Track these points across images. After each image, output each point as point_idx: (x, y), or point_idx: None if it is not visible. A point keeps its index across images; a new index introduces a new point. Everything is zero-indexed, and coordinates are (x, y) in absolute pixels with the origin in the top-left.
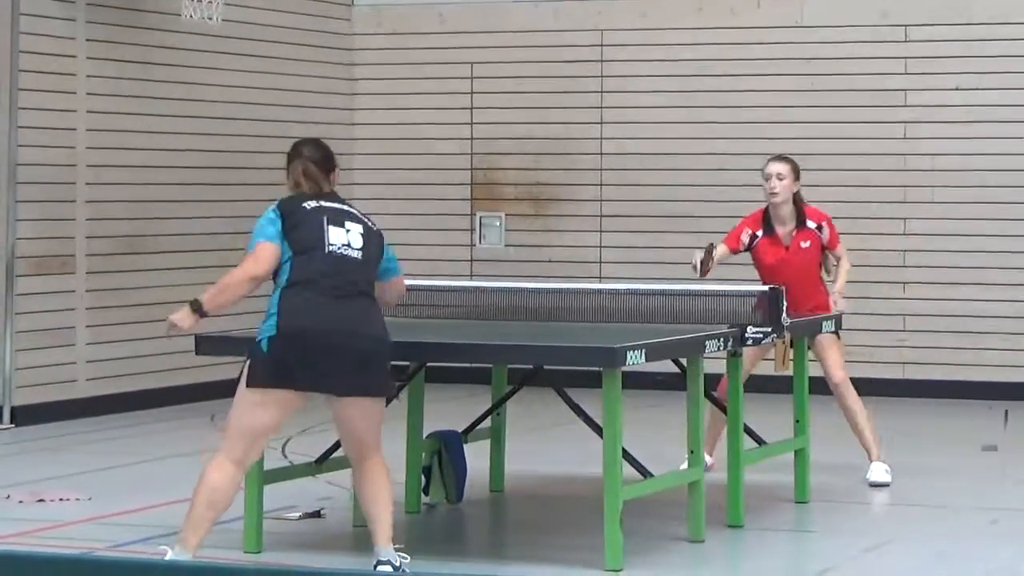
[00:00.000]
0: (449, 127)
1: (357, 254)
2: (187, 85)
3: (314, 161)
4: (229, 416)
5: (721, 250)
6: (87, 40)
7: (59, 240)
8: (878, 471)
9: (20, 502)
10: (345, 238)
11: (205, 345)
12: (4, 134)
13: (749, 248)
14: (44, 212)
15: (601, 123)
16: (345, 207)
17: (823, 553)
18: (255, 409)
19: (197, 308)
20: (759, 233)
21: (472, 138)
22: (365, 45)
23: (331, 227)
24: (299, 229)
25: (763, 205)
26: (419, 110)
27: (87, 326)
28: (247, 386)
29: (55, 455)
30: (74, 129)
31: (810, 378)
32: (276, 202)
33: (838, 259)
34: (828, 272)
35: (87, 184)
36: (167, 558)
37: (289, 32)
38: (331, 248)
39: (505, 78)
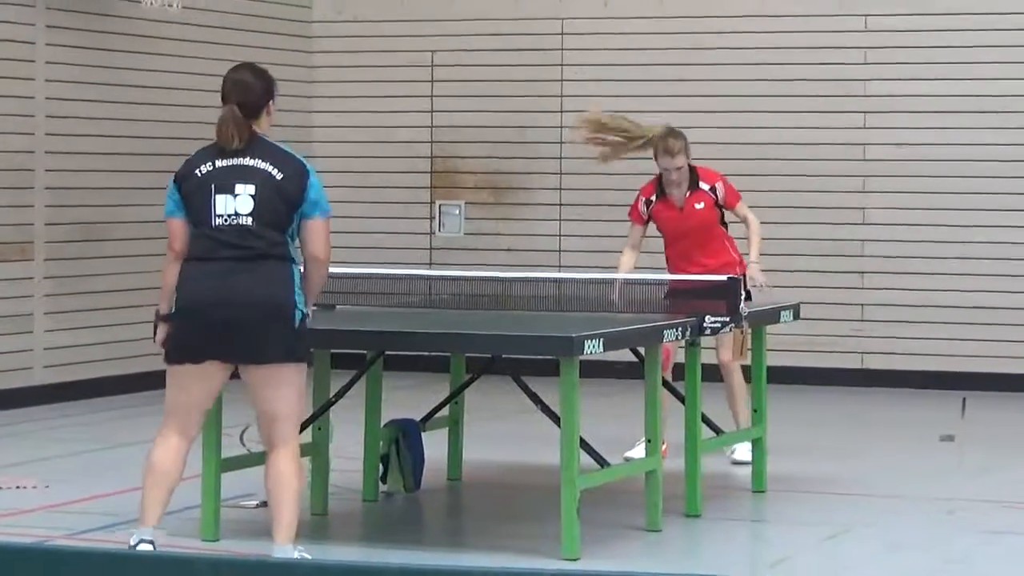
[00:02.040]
0: (409, 115)
1: (247, 220)
2: (147, 72)
3: (243, 105)
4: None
5: (634, 232)
6: (47, 26)
7: (18, 227)
8: (744, 450)
9: None
10: (232, 206)
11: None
12: None
13: (648, 215)
14: (2, 199)
15: (561, 112)
16: (244, 162)
17: (780, 542)
18: (179, 385)
19: (161, 317)
20: (653, 199)
21: (432, 126)
22: (325, 32)
23: (218, 196)
24: (190, 200)
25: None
26: (379, 98)
27: (45, 313)
28: (165, 363)
29: (12, 442)
30: (33, 116)
31: (768, 368)
32: (185, 161)
33: (743, 219)
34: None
35: (46, 171)
36: (132, 541)
37: (249, 19)
38: (218, 220)
39: (465, 66)
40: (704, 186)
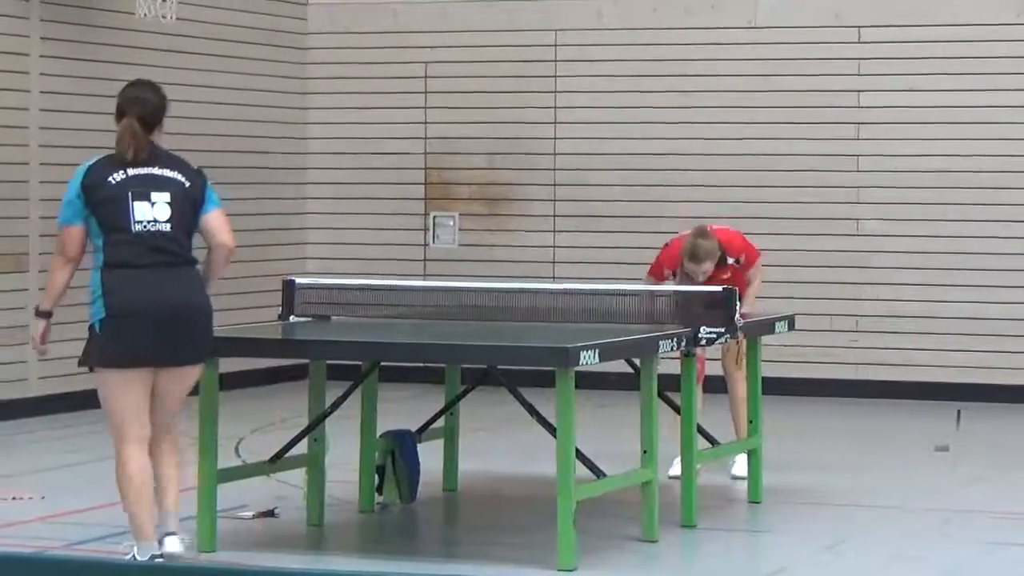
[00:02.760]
0: (403, 126)
1: (165, 226)
2: None
3: (144, 117)
4: (104, 405)
5: (649, 280)
6: (41, 38)
7: (12, 239)
8: (742, 464)
9: None
10: (151, 213)
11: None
12: None
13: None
14: None
15: (555, 123)
16: (155, 171)
17: (777, 553)
18: (117, 390)
19: (42, 314)
20: (677, 271)
21: (426, 137)
22: (318, 44)
23: (136, 203)
24: (104, 207)
25: (680, 235)
26: (373, 109)
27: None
28: (93, 369)
29: (7, 453)
30: (27, 127)
31: (763, 379)
32: (83, 171)
33: (753, 278)
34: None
35: (40, 182)
36: (143, 557)
37: (243, 31)
38: (137, 227)
39: (459, 77)
40: (731, 260)
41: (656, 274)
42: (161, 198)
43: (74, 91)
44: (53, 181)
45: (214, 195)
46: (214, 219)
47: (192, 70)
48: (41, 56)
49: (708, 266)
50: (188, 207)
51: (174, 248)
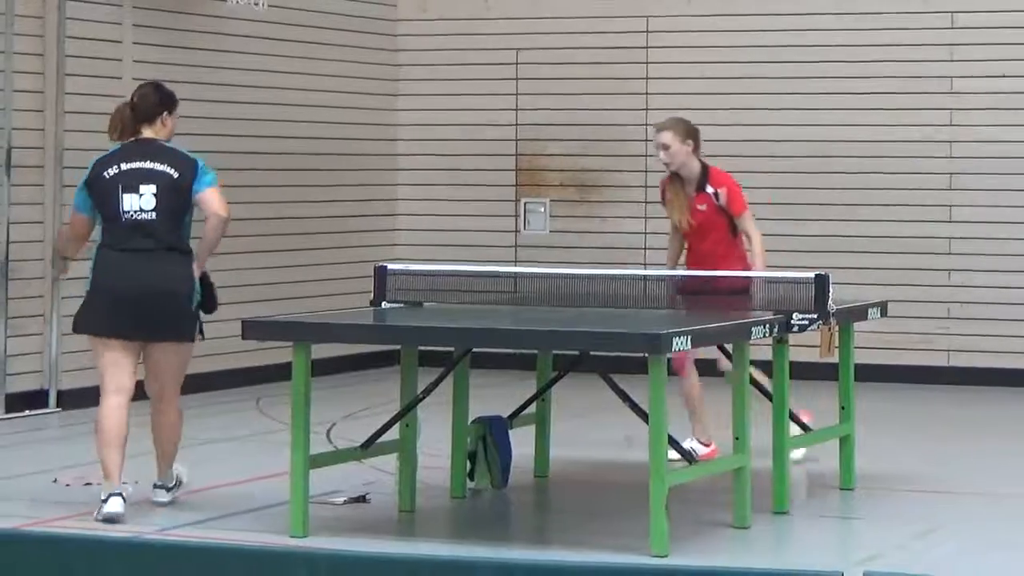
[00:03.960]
0: (494, 113)
1: (150, 215)
2: (232, 71)
3: (135, 107)
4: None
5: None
6: (133, 25)
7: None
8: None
9: (67, 485)
10: (137, 203)
11: (251, 330)
12: (51, 119)
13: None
14: None
15: (646, 109)
16: (145, 165)
17: (869, 540)
18: (96, 350)
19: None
20: (667, 192)
21: (517, 124)
22: (409, 31)
23: (125, 195)
24: (100, 199)
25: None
26: (464, 96)
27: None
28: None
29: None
30: None
31: (856, 365)
32: (90, 166)
33: (745, 233)
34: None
35: None
36: (103, 496)
37: (333, 17)
38: (126, 215)
39: (550, 64)
40: (709, 189)
41: (663, 199)
42: (148, 190)
43: (166, 78)
44: None
45: (207, 176)
46: (205, 195)
47: (282, 57)
48: (134, 43)
49: (667, 136)
50: (175, 197)
51: (156, 235)
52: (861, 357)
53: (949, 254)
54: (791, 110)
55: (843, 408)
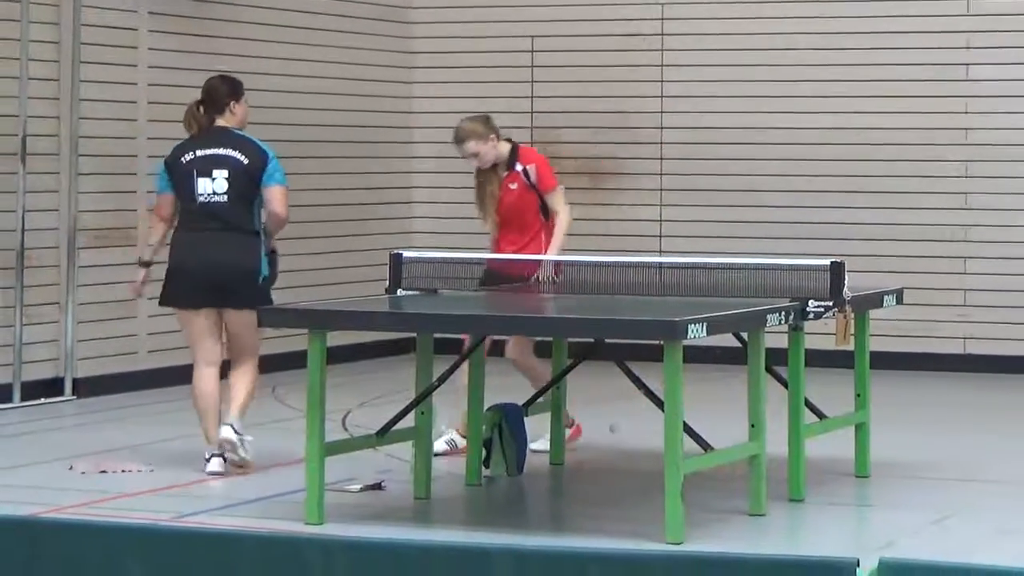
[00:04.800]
0: (509, 100)
1: (222, 198)
2: (247, 58)
3: (201, 102)
4: None
5: None
6: (149, 13)
7: (121, 213)
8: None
9: (83, 473)
10: (211, 187)
11: (266, 317)
12: (67, 107)
13: None
14: (106, 185)
15: (661, 97)
16: (218, 152)
17: (884, 527)
18: (181, 323)
19: (142, 264)
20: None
21: (532, 111)
22: (424, 18)
23: (200, 179)
24: (178, 184)
25: None
26: (479, 83)
27: (148, 298)
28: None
29: (117, 426)
30: (135, 102)
31: (871, 353)
32: (170, 152)
33: (553, 211)
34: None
35: (148, 156)
36: (206, 456)
37: (348, 5)
38: (200, 198)
39: (565, 51)
40: (519, 167)
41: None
42: (220, 174)
43: (181, 66)
44: (161, 156)
45: (276, 173)
46: (270, 192)
47: (298, 44)
48: (149, 31)
49: (472, 145)
50: (245, 182)
51: (227, 216)
52: (876, 345)
53: (965, 241)
54: (806, 97)
55: (858, 396)
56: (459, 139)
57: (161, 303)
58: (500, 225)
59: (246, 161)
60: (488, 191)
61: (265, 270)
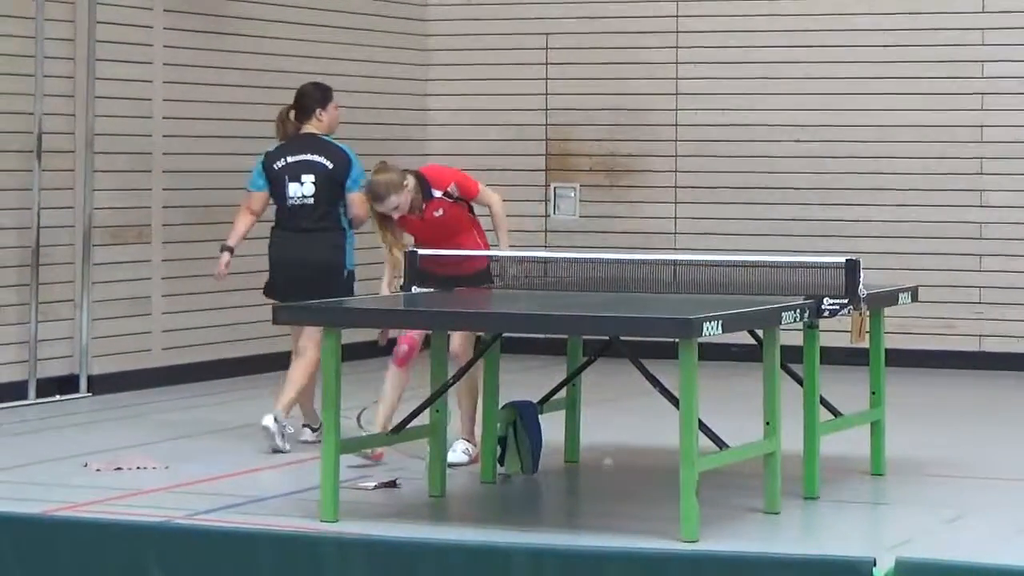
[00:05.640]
0: (524, 97)
1: (310, 200)
2: (263, 56)
3: (295, 109)
4: None
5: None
6: (164, 10)
7: (135, 210)
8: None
9: (97, 470)
10: (300, 191)
11: (282, 314)
12: (82, 104)
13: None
14: (121, 182)
15: (676, 94)
16: (306, 157)
17: (900, 525)
18: None
19: (225, 248)
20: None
21: (547, 108)
22: (440, 16)
23: (290, 183)
24: (272, 186)
25: None
26: (494, 80)
27: (163, 295)
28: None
29: (132, 424)
30: (150, 99)
31: (887, 350)
32: (264, 155)
33: (487, 205)
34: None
35: (163, 154)
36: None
37: (364, 2)
38: (290, 200)
39: (580, 48)
40: (437, 193)
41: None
42: (308, 179)
43: (197, 63)
44: (176, 153)
45: (359, 178)
46: (353, 196)
47: (313, 42)
48: (164, 28)
49: (395, 200)
50: (330, 185)
51: (314, 217)
52: (892, 342)
53: (980, 239)
54: (822, 94)
55: (873, 393)
56: (381, 196)
57: (263, 294)
58: (433, 243)
59: (331, 166)
60: (389, 238)
61: (351, 264)
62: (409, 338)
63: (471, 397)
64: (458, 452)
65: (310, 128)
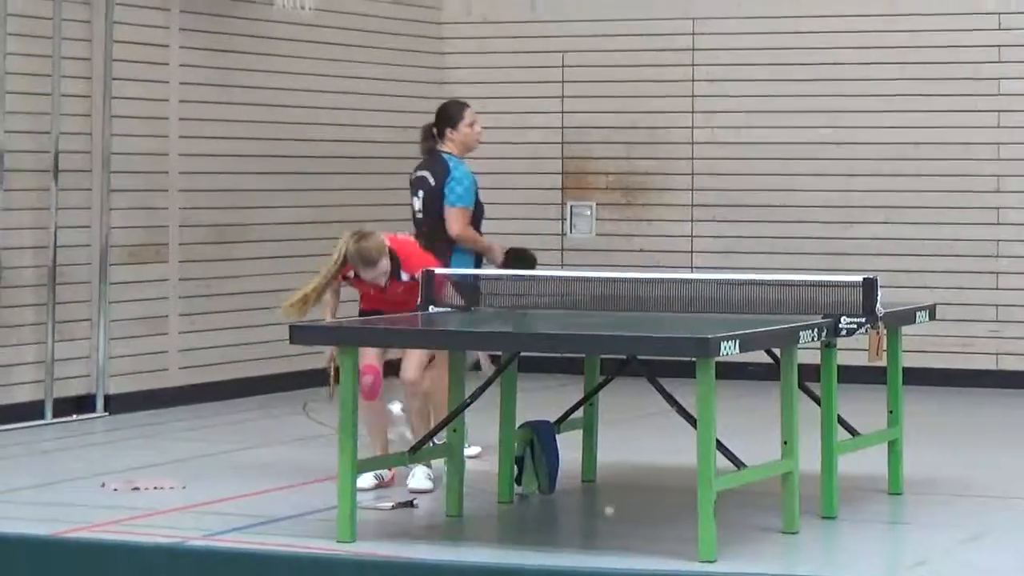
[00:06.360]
0: (540, 116)
1: (420, 215)
2: (278, 74)
3: (431, 124)
4: None
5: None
6: (180, 29)
7: (152, 229)
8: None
9: (115, 490)
10: (418, 204)
11: (298, 334)
12: (98, 123)
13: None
14: (137, 201)
15: (692, 112)
16: (421, 174)
17: (918, 545)
18: None
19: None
20: (351, 275)
21: (563, 127)
22: (455, 34)
23: (413, 198)
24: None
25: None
26: (510, 99)
27: (180, 315)
28: None
29: (149, 443)
30: (166, 118)
31: (904, 368)
32: None
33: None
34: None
35: (180, 173)
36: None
37: (380, 21)
38: (415, 213)
39: (596, 67)
40: (405, 277)
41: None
42: (420, 194)
43: (213, 82)
44: (192, 172)
45: (452, 194)
46: (447, 212)
47: (328, 60)
48: (180, 47)
49: (385, 263)
50: (433, 200)
51: (424, 231)
52: (909, 361)
53: (997, 256)
54: (838, 112)
55: (891, 412)
56: (373, 261)
57: None
58: (381, 309)
59: (433, 182)
60: (328, 290)
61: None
62: (370, 367)
63: (425, 419)
64: (420, 478)
65: (441, 146)
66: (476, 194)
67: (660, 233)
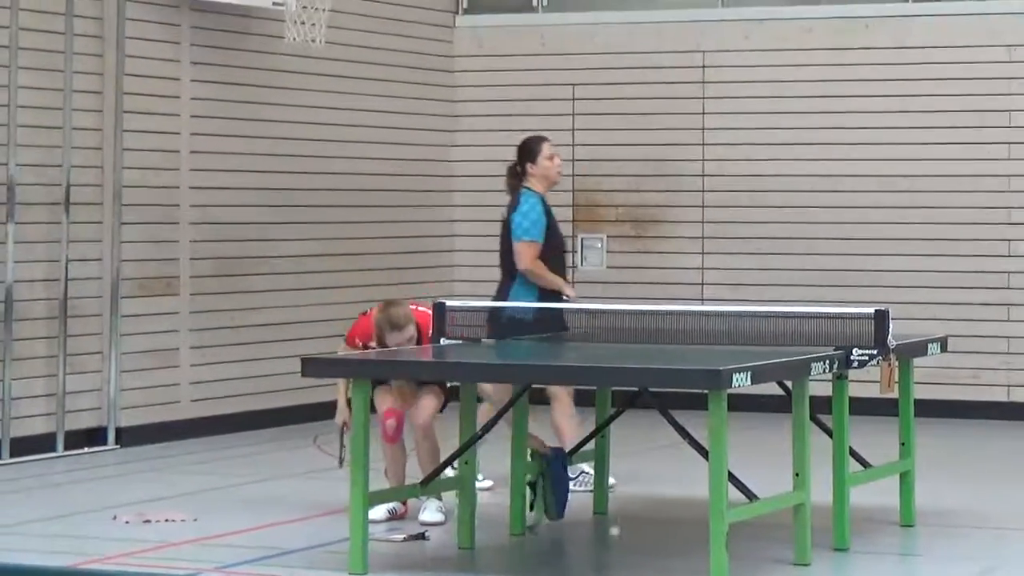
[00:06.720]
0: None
1: (499, 250)
2: (290, 107)
3: (514, 163)
4: None
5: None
6: (191, 63)
7: (163, 262)
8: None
9: (126, 522)
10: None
11: (310, 367)
12: (109, 156)
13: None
14: (148, 234)
15: (703, 145)
16: (506, 210)
17: None
18: None
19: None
20: (372, 344)
21: (573, 159)
22: (466, 67)
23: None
24: None
25: (370, 310)
26: (520, 131)
27: (191, 347)
28: None
29: (160, 476)
30: (178, 151)
31: (916, 400)
32: None
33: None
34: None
35: (191, 206)
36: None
37: (391, 54)
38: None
39: (607, 99)
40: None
41: (352, 345)
42: (500, 232)
43: (224, 115)
44: (203, 205)
45: (518, 228)
46: (515, 246)
47: (339, 93)
48: (192, 80)
49: (412, 330)
50: (506, 234)
51: (502, 264)
52: (921, 392)
53: (1008, 288)
54: (848, 144)
55: (903, 444)
56: (401, 324)
57: None
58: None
59: (506, 219)
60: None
61: (514, 311)
62: (391, 411)
63: (435, 459)
64: (432, 510)
65: (525, 182)
66: (551, 227)
67: (671, 265)
